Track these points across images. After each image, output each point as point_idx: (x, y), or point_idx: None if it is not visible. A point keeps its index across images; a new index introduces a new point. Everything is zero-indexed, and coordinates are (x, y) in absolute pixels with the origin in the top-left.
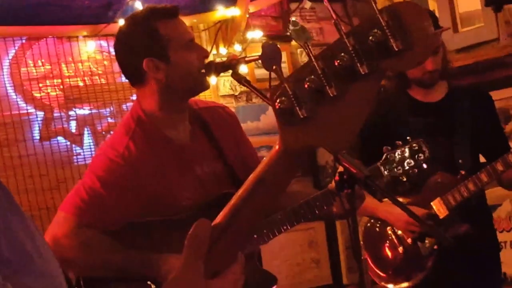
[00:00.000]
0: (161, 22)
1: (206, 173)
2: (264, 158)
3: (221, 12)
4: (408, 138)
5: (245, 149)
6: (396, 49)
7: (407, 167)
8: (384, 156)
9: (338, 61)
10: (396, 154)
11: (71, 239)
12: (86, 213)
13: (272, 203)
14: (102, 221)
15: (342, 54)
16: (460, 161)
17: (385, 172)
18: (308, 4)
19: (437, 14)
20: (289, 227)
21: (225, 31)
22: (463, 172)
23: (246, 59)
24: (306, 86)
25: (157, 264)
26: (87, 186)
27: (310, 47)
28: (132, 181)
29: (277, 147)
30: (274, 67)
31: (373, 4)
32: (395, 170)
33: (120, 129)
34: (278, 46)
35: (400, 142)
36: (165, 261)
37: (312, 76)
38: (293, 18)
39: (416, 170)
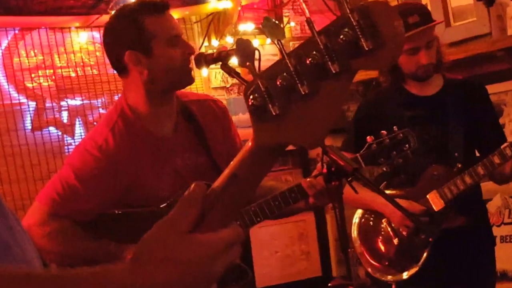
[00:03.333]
0: (148, 16)
1: (187, 165)
2: (239, 153)
3: (213, 4)
4: (394, 127)
5: (232, 144)
6: (367, 49)
7: (391, 157)
8: (365, 146)
9: (310, 59)
10: (379, 144)
11: (41, 228)
12: (60, 205)
13: (245, 199)
14: (75, 213)
15: (314, 52)
16: (455, 154)
17: (364, 163)
18: None
19: (429, 8)
20: (262, 219)
21: (217, 23)
22: (459, 165)
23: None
24: (278, 83)
25: (123, 255)
26: (63, 178)
27: (282, 44)
28: (107, 173)
29: (250, 143)
30: (247, 63)
31: (344, 3)
32: (377, 160)
33: (102, 121)
34: (252, 42)
35: (385, 132)
36: (126, 250)
37: (285, 74)
38: (267, 16)
39: (401, 160)
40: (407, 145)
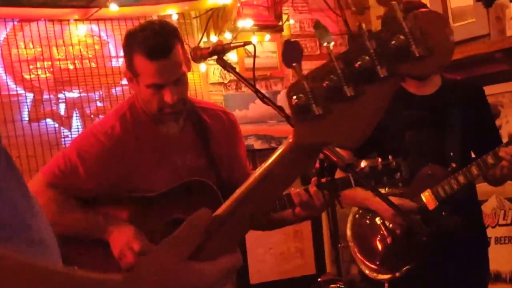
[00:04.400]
0: (139, 56)
1: (187, 165)
2: (276, 150)
3: (213, 0)
4: (389, 156)
5: (235, 156)
6: (417, 55)
7: (382, 182)
8: (359, 168)
9: (359, 62)
10: (373, 168)
11: (39, 198)
12: (59, 179)
13: (276, 196)
14: (72, 189)
15: (363, 56)
16: (451, 153)
17: (355, 184)
18: None
19: None
20: None
21: (216, 19)
22: (454, 165)
23: (232, 45)
24: (324, 84)
25: (110, 228)
26: (66, 155)
27: (331, 47)
28: (108, 158)
29: (290, 140)
30: (294, 64)
31: (397, 11)
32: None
33: (112, 110)
34: (300, 44)
35: (380, 159)
36: (113, 223)
37: (331, 76)
38: (317, 20)
39: (390, 187)
40: (398, 174)
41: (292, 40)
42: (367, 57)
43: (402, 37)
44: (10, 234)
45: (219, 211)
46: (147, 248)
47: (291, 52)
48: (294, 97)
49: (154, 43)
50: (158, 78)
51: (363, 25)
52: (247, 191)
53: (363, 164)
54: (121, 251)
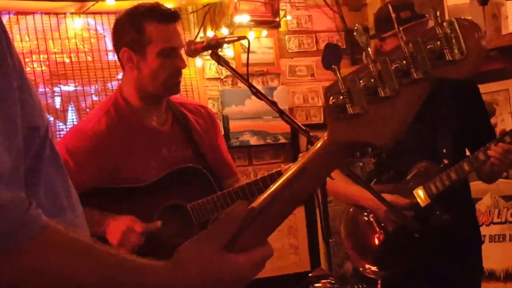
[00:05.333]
0: (151, 22)
1: (174, 156)
2: (312, 148)
3: None
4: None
5: (215, 148)
6: (451, 59)
7: (366, 152)
8: None
9: (395, 65)
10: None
11: None
12: None
13: (309, 193)
14: None
15: (400, 59)
16: (443, 150)
17: None
18: None
19: None
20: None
21: (213, 14)
22: (446, 161)
23: (226, 39)
24: (361, 86)
25: (105, 223)
26: None
27: (369, 51)
28: (97, 151)
29: (325, 137)
30: (333, 66)
31: (434, 18)
32: (354, 153)
33: (96, 108)
34: (340, 47)
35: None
36: (109, 216)
37: (368, 77)
38: (358, 26)
39: (375, 158)
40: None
41: (333, 43)
42: (403, 61)
43: (437, 42)
44: (50, 216)
45: (254, 204)
46: (148, 229)
47: (331, 55)
48: (331, 97)
49: (165, 8)
50: (173, 41)
51: (401, 30)
52: (282, 187)
53: None
54: (123, 235)
